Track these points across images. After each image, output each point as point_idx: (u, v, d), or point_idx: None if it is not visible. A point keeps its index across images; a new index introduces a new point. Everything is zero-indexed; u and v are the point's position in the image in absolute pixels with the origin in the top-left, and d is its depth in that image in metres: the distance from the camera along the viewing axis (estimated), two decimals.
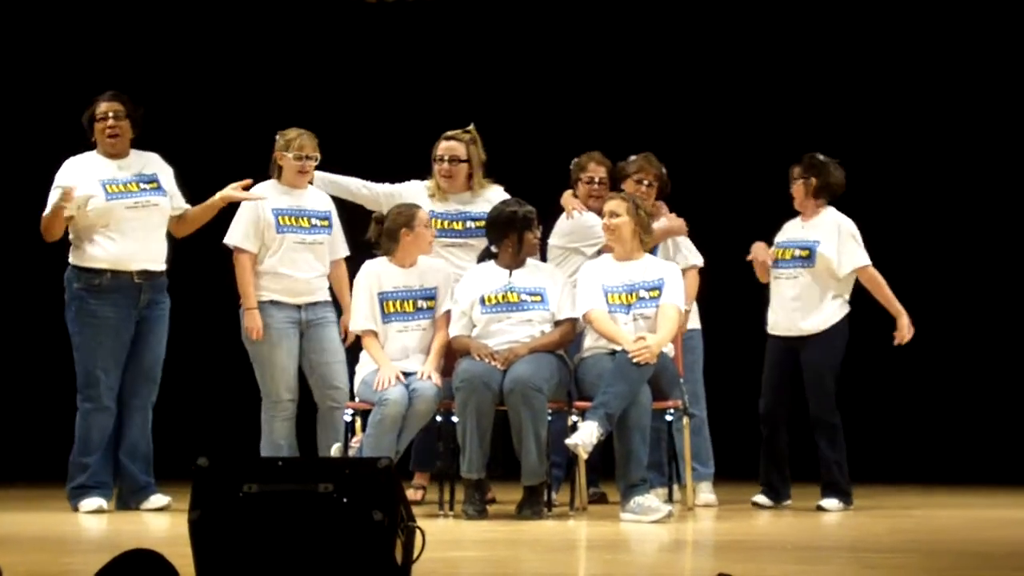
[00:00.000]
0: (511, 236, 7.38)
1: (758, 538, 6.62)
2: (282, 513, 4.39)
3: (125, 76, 8.78)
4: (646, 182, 7.87)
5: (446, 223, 7.74)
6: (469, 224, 7.76)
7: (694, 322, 7.96)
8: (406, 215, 7.41)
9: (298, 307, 7.55)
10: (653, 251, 7.65)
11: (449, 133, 7.83)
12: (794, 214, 7.90)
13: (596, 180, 7.94)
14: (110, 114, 7.43)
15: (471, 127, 7.84)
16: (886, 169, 10.03)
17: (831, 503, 7.61)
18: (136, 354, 7.41)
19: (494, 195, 7.78)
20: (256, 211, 7.51)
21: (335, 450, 7.32)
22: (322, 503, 4.39)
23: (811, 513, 7.50)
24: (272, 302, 7.53)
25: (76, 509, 7.31)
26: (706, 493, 7.90)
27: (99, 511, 7.25)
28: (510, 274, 7.39)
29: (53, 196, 7.31)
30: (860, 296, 7.78)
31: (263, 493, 4.41)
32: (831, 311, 7.74)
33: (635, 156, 7.96)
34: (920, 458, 9.78)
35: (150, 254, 7.40)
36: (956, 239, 10.06)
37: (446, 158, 7.77)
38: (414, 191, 7.80)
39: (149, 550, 3.92)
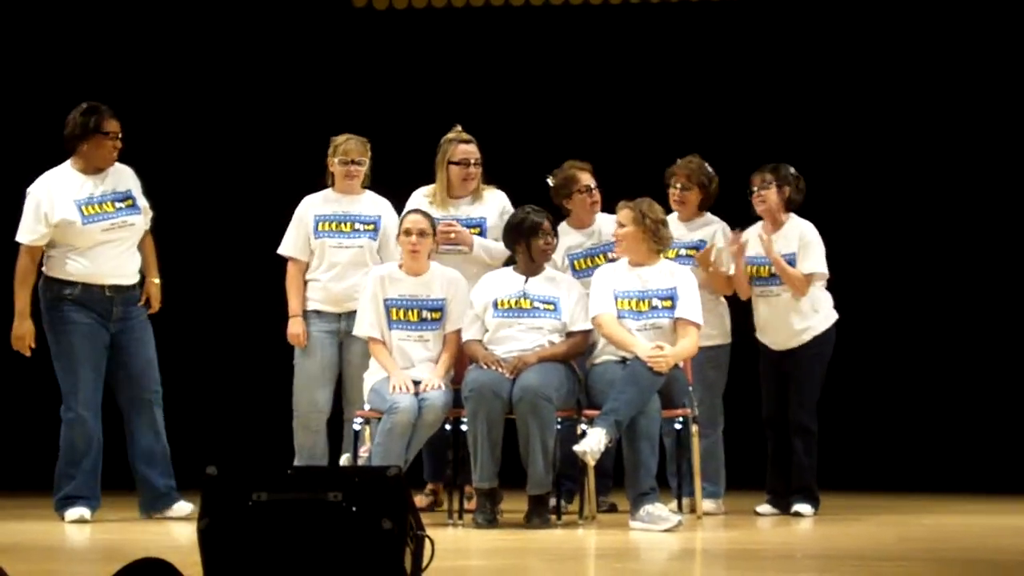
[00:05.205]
0: (520, 242, 7.39)
1: (767, 547, 6.61)
2: (291, 522, 4.40)
3: (97, 82, 8.79)
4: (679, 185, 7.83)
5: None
6: (462, 229, 7.67)
7: (724, 337, 7.86)
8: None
9: (338, 316, 7.57)
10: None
11: (463, 136, 7.72)
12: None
13: (591, 186, 7.78)
14: (120, 135, 7.35)
15: (459, 128, 7.77)
16: (875, 176, 10.02)
17: (806, 508, 7.64)
18: (124, 364, 7.34)
19: (495, 199, 7.75)
20: (303, 219, 7.60)
21: (344, 459, 7.33)
22: (331, 512, 4.39)
23: (820, 522, 7.49)
24: (315, 311, 7.57)
25: (63, 519, 7.21)
26: (710, 502, 7.87)
27: (81, 521, 7.16)
28: (526, 280, 7.39)
29: (29, 223, 7.22)
30: (871, 304, 7.72)
31: (272, 502, 4.42)
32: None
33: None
34: (929, 465, 9.76)
35: (122, 270, 7.32)
36: (956, 246, 10.03)
37: (471, 161, 7.68)
38: (415, 201, 7.73)
39: (159, 559, 3.93)
